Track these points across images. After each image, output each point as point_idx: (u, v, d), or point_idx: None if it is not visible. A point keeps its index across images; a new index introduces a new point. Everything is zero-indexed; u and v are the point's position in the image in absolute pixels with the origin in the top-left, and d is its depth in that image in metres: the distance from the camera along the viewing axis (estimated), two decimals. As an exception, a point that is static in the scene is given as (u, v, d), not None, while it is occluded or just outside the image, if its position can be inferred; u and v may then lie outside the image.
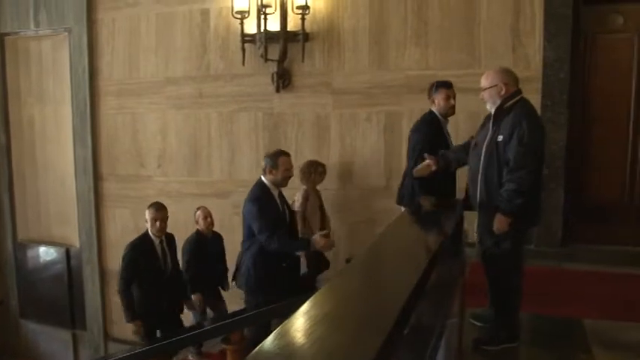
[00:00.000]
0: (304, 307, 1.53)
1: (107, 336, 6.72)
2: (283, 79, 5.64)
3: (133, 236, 6.32)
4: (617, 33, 5.19)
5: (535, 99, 4.71)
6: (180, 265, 5.03)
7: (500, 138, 3.21)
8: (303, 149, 5.64)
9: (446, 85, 4.24)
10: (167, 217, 4.82)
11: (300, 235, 4.68)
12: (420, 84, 5.13)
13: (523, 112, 3.22)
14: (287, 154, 4.37)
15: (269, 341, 1.31)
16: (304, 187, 5.13)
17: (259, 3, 5.35)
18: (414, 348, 1.89)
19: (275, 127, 5.74)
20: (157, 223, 4.68)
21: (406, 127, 5.22)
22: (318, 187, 5.25)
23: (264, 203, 4.21)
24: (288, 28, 5.50)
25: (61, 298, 7.03)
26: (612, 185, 5.26)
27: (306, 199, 5.06)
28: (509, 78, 3.28)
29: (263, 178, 4.32)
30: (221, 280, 5.31)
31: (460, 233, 3.98)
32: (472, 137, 3.56)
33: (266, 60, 5.52)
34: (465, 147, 3.61)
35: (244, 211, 4.34)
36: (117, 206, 6.54)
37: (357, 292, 1.94)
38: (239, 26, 5.50)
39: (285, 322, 1.44)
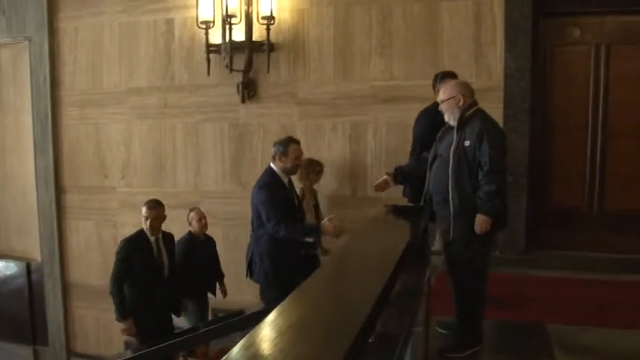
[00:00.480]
0: (270, 317, 1.53)
1: (70, 351, 6.57)
2: (249, 90, 5.63)
3: (96, 248, 6.32)
4: (575, 45, 5.33)
5: (497, 108, 4.83)
6: None
7: (467, 143, 3.33)
8: (268, 160, 5.56)
9: (451, 75, 4.17)
10: (162, 216, 4.75)
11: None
12: (384, 94, 5.25)
13: (487, 118, 3.40)
14: (297, 142, 4.38)
15: (234, 352, 1.30)
16: (301, 185, 5.05)
17: (224, 13, 5.33)
18: (379, 356, 1.90)
19: (241, 137, 5.72)
20: (148, 222, 4.62)
21: (371, 137, 5.31)
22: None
23: (273, 190, 4.16)
24: (254, 39, 5.50)
25: (21, 313, 6.85)
26: (573, 192, 5.38)
27: (302, 197, 4.99)
28: (466, 90, 3.45)
29: (272, 165, 4.28)
30: (211, 286, 5.23)
31: (426, 240, 4.03)
32: (426, 152, 3.70)
33: (231, 70, 5.51)
34: (420, 161, 3.72)
35: (253, 199, 4.27)
36: (80, 218, 6.42)
37: (322, 300, 1.94)
38: (204, 36, 5.48)
39: (251, 332, 1.43)
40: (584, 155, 5.29)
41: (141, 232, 4.69)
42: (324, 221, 4.17)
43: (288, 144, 4.28)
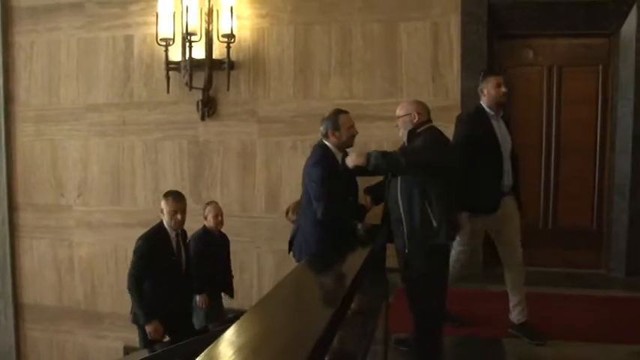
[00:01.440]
0: (227, 334, 1.58)
1: (22, 375, 6.37)
2: (208, 108, 5.61)
3: (51, 268, 6.16)
4: (528, 66, 5.51)
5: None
6: None
7: None
8: (228, 178, 5.62)
9: (495, 72, 4.16)
10: (186, 209, 4.45)
11: None
12: None
13: (432, 136, 3.45)
14: (346, 112, 3.95)
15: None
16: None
17: (184, 31, 5.31)
18: (336, 375, 1.91)
19: (200, 155, 5.68)
20: (178, 216, 4.31)
21: (331, 155, 5.31)
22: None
23: (327, 167, 3.76)
24: (214, 56, 5.49)
25: (-30, 336, 6.61)
26: (530, 209, 5.48)
27: None
28: (421, 108, 3.53)
29: (325, 141, 3.87)
30: (225, 285, 5.03)
31: (384, 259, 4.06)
32: None
33: (191, 88, 5.48)
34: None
35: (305, 177, 3.92)
36: (34, 237, 6.25)
37: (279, 318, 1.96)
38: (164, 53, 5.44)
39: (209, 348, 1.47)
40: (539, 173, 5.43)
41: (160, 226, 4.36)
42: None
43: (337, 116, 3.88)
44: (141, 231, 5.24)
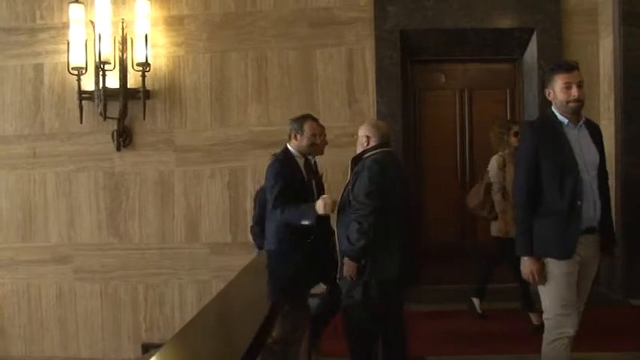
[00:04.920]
0: None
1: None
2: (124, 138, 5.47)
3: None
4: (441, 90, 5.69)
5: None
6: None
7: (350, 185, 3.38)
8: (146, 208, 5.48)
9: (565, 68, 2.97)
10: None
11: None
12: (263, 139, 5.29)
13: (375, 160, 3.36)
14: (315, 119, 3.90)
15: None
16: (500, 153, 4.51)
17: (97, 59, 5.18)
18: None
19: (116, 186, 5.52)
20: (320, 138, 3.95)
21: (250, 183, 5.32)
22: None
23: (282, 168, 3.74)
24: (129, 86, 5.38)
25: None
26: (448, 229, 5.65)
27: (503, 166, 4.43)
28: (374, 132, 3.44)
29: (288, 145, 3.89)
30: None
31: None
32: None
33: (105, 118, 5.35)
34: None
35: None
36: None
37: (198, 347, 1.95)
38: (76, 82, 5.29)
39: None
40: (455, 193, 5.57)
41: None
42: (318, 201, 3.71)
43: (304, 120, 3.85)
44: (56, 267, 5.06)
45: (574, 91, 2.89)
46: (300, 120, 3.87)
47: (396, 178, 3.43)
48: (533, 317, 4.25)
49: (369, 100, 5.32)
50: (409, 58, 5.53)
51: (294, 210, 3.71)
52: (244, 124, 5.38)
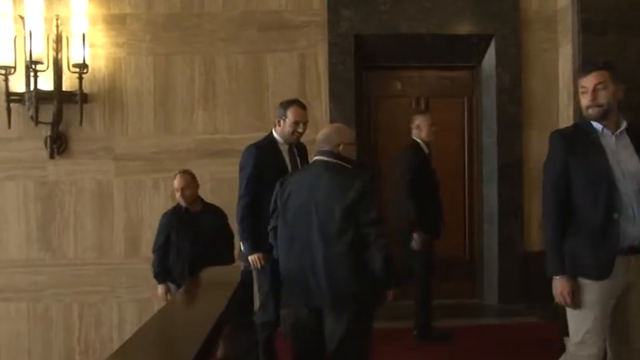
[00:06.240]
0: None
1: None
2: (58, 144, 5.09)
3: None
4: (397, 97, 5.55)
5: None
6: None
7: None
8: (83, 220, 5.10)
9: (581, 71, 2.76)
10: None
11: None
12: (209, 148, 5.06)
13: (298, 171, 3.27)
14: (303, 106, 3.67)
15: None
16: None
17: (28, 58, 4.81)
18: None
19: (49, 197, 5.11)
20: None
21: (195, 193, 4.99)
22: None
23: (257, 152, 3.55)
24: (64, 88, 5.02)
25: None
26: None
27: None
28: (321, 137, 3.09)
29: (273, 130, 3.68)
30: None
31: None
32: None
33: (37, 123, 4.96)
34: None
35: None
36: None
37: None
38: (3, 83, 4.91)
39: None
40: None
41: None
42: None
43: (290, 105, 3.63)
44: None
45: (589, 97, 2.61)
46: (285, 105, 3.68)
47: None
48: None
49: (321, 107, 5.14)
50: (364, 65, 5.36)
51: (250, 232, 3.54)
52: (190, 131, 5.11)
